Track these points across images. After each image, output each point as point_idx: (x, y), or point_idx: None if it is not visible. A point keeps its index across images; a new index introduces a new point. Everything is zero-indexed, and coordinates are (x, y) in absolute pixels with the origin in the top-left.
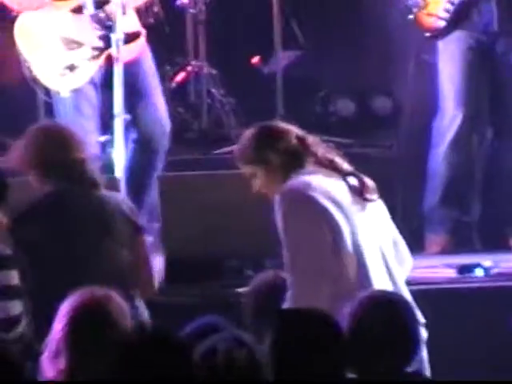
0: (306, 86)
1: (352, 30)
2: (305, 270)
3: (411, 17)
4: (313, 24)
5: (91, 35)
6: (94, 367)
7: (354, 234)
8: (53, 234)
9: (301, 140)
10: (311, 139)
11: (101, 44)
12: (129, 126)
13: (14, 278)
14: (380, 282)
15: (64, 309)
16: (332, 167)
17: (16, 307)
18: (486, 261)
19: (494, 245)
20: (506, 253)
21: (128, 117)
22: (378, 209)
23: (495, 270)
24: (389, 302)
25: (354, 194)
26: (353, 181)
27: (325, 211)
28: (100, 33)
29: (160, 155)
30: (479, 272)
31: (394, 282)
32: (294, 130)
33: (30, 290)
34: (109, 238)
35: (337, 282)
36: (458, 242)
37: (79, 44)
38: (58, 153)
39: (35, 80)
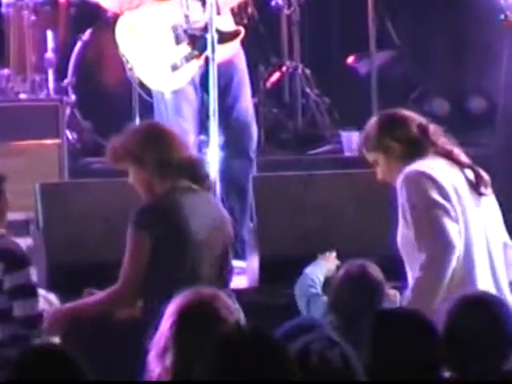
0: (400, 86)
1: (448, 30)
2: (439, 239)
3: (502, 17)
4: (406, 23)
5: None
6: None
7: (466, 229)
8: (174, 232)
9: (422, 128)
10: (432, 128)
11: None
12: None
13: (33, 275)
14: (483, 282)
15: (172, 307)
16: (451, 158)
17: (38, 304)
18: None
19: None
20: None
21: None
22: (491, 207)
23: None
24: (487, 303)
25: (471, 187)
26: (470, 174)
27: (447, 197)
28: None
29: (248, 158)
30: None
31: (498, 284)
32: (417, 118)
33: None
34: (219, 238)
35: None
36: None
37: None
38: (174, 153)
39: (137, 81)
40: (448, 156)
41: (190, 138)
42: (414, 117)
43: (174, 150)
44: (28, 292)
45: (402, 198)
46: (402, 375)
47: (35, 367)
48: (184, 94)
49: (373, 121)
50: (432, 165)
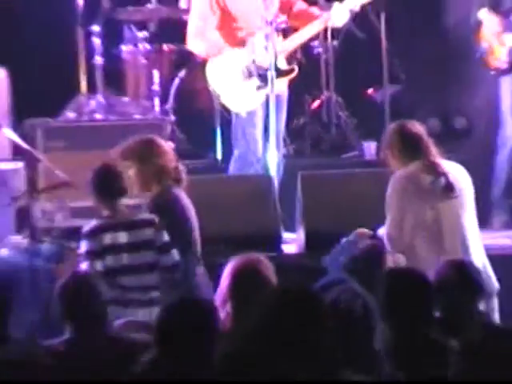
0: (405, 110)
1: (438, 67)
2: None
3: (478, 56)
4: (408, 62)
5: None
6: (253, 313)
7: (438, 218)
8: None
9: (419, 142)
10: (427, 142)
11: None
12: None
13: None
14: (454, 251)
15: (229, 268)
16: (433, 167)
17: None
18: None
19: None
20: None
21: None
22: (465, 202)
23: None
24: (462, 265)
25: (442, 190)
26: (442, 181)
27: (409, 196)
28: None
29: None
30: None
31: (468, 254)
32: (420, 132)
33: None
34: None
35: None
36: None
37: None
38: (168, 161)
39: (222, 105)
40: (431, 165)
41: (259, 144)
42: (417, 131)
43: (168, 160)
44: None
45: None
46: (408, 318)
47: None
48: (255, 114)
49: (388, 130)
50: (412, 171)
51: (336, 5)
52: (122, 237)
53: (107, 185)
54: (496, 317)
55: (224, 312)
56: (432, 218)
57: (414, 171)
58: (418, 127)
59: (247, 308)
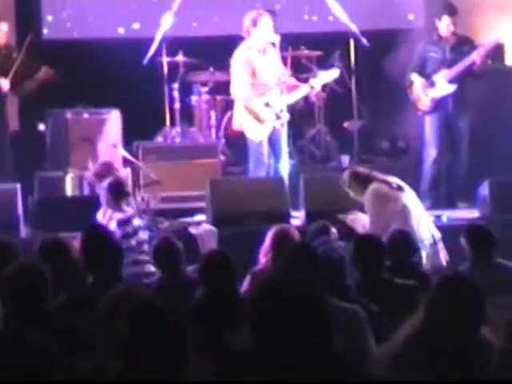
0: (370, 136)
1: (387, 109)
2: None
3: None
4: (367, 103)
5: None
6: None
7: (405, 205)
8: None
9: (371, 175)
10: (373, 173)
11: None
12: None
13: None
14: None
15: (271, 232)
16: (387, 183)
17: None
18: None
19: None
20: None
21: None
22: (412, 195)
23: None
24: (405, 232)
25: (397, 189)
26: (394, 184)
27: (386, 196)
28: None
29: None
30: (444, 218)
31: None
32: (368, 173)
33: None
34: None
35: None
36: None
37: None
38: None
39: (241, 130)
40: (385, 182)
41: (267, 159)
42: (364, 172)
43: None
44: None
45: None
46: (369, 266)
47: None
48: (262, 142)
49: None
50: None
51: (319, 76)
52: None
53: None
54: (443, 257)
55: (266, 258)
56: (398, 207)
57: (376, 188)
58: (363, 170)
59: (281, 256)
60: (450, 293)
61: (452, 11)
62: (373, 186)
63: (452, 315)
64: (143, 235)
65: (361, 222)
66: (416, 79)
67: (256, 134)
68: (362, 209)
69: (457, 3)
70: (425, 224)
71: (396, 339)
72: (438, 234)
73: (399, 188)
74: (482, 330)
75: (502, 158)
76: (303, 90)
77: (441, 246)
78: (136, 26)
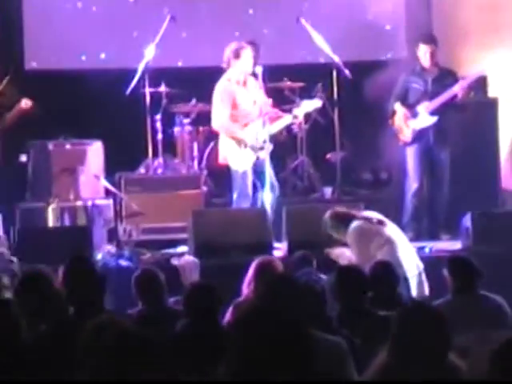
0: (352, 168)
1: (368, 140)
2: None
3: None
4: (352, 137)
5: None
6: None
7: (389, 238)
8: None
9: (350, 214)
10: (353, 211)
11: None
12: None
13: None
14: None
15: (254, 263)
16: (367, 219)
17: None
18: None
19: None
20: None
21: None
22: (395, 229)
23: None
24: (387, 263)
25: (377, 224)
26: (374, 220)
27: (369, 232)
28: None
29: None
30: (427, 249)
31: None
32: (347, 212)
33: None
34: None
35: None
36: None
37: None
38: None
39: (226, 162)
40: (364, 218)
41: (250, 190)
42: (347, 213)
43: None
44: None
45: None
46: (351, 297)
47: None
48: (247, 173)
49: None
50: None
51: (302, 105)
52: None
53: None
54: (426, 288)
55: (248, 289)
56: (382, 241)
57: (358, 225)
58: (341, 209)
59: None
60: (410, 323)
61: (427, 39)
62: (354, 225)
63: (415, 345)
64: None
65: (346, 257)
66: (399, 109)
67: (240, 165)
68: (345, 243)
69: (441, 36)
70: (409, 255)
71: (366, 374)
72: (421, 265)
73: (380, 222)
74: (450, 356)
75: (483, 189)
76: (286, 120)
77: (424, 277)
78: (118, 56)
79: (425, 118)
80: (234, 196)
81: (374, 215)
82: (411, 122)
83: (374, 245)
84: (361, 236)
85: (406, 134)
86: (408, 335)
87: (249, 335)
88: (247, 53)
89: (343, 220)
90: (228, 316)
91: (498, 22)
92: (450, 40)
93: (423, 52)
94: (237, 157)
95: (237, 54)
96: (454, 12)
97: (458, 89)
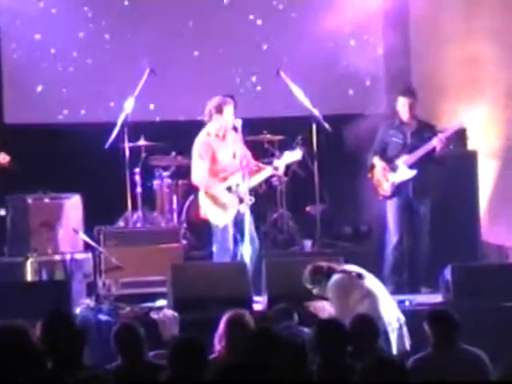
0: (332, 221)
1: (348, 195)
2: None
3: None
4: (332, 191)
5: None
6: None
7: (370, 292)
8: None
9: (330, 268)
10: (332, 265)
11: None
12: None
13: None
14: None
15: (224, 318)
16: (347, 273)
17: None
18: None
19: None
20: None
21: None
22: (372, 279)
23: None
24: (367, 317)
25: (357, 278)
26: (354, 273)
27: (349, 286)
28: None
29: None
30: (407, 302)
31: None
32: (327, 266)
33: None
34: None
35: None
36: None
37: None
38: None
39: (207, 216)
40: (344, 272)
41: (231, 243)
42: (330, 266)
43: None
44: None
45: None
46: (331, 352)
47: None
48: (227, 227)
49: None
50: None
51: (283, 156)
52: None
53: None
54: (407, 342)
55: (220, 346)
56: (362, 294)
57: (338, 279)
58: (321, 263)
59: (235, 343)
60: (372, 378)
61: (406, 92)
62: (334, 278)
63: None
64: None
65: (326, 310)
66: (378, 163)
67: (220, 220)
68: (325, 298)
69: (421, 90)
70: (390, 308)
71: None
72: (402, 318)
73: (359, 276)
74: None
75: (463, 242)
76: (266, 172)
77: (405, 330)
78: (97, 110)
79: (404, 171)
80: (214, 250)
81: (354, 268)
82: (390, 175)
83: (353, 298)
84: (340, 289)
85: (386, 188)
86: None
87: None
88: (230, 108)
89: (323, 274)
90: None
91: (476, 76)
92: (430, 94)
93: (402, 104)
94: (216, 212)
95: (220, 109)
96: (433, 66)
97: (436, 142)
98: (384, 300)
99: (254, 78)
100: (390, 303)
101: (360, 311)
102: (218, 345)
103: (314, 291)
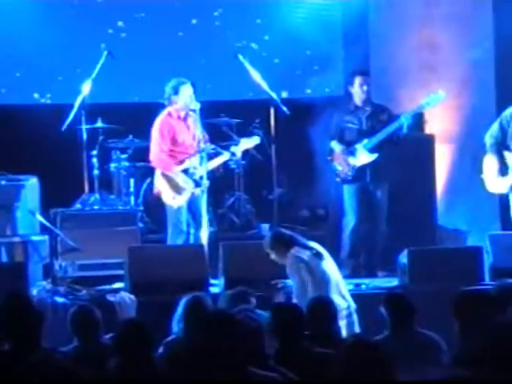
0: (289, 204)
1: (306, 178)
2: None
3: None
4: (289, 174)
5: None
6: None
7: (323, 273)
8: None
9: (293, 238)
10: (296, 236)
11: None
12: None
13: None
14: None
15: (183, 300)
16: (307, 247)
17: None
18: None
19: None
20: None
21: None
22: (330, 262)
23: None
24: (324, 300)
25: (315, 256)
26: (314, 250)
27: (304, 262)
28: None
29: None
30: (364, 286)
31: (341, 293)
32: (290, 236)
33: None
34: None
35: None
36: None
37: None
38: None
39: (160, 197)
40: (304, 246)
41: (184, 227)
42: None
43: None
44: None
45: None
46: (288, 335)
47: None
48: (183, 207)
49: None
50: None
51: (240, 143)
52: None
53: None
54: (356, 330)
55: (178, 327)
56: (317, 274)
57: (297, 253)
58: (285, 231)
59: (193, 325)
60: (354, 361)
61: (363, 71)
62: (293, 252)
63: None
64: None
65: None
66: (336, 147)
67: (174, 201)
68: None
69: (379, 74)
70: (342, 294)
71: None
72: (353, 305)
73: (318, 255)
74: None
75: (420, 226)
76: (224, 157)
77: (355, 317)
78: (54, 92)
79: (365, 155)
80: (169, 232)
81: (316, 246)
82: (351, 159)
83: (307, 276)
84: (298, 264)
85: (345, 171)
86: (352, 374)
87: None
88: (186, 89)
89: (284, 242)
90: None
91: (433, 62)
92: (388, 79)
93: (359, 84)
94: (171, 193)
95: (176, 90)
96: (392, 51)
97: (397, 124)
98: (336, 285)
99: (212, 61)
100: (342, 289)
101: (310, 292)
102: (175, 326)
103: (272, 256)
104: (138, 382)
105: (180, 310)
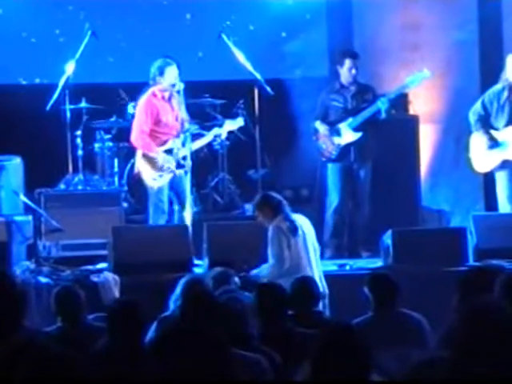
0: (273, 185)
1: (291, 159)
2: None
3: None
4: (273, 155)
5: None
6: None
7: (297, 252)
8: None
9: (278, 204)
10: (283, 204)
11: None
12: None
13: None
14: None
15: (181, 282)
16: (289, 220)
17: None
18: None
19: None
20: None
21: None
22: (308, 238)
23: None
24: (308, 280)
25: (293, 231)
26: (293, 225)
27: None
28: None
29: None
30: (347, 267)
31: (313, 273)
32: (279, 198)
33: None
34: None
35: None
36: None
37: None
38: None
39: (141, 180)
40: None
41: (166, 208)
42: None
43: None
44: None
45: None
46: (271, 316)
47: None
48: (163, 188)
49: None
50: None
51: (225, 124)
52: None
53: None
54: (327, 312)
55: (175, 305)
56: (293, 251)
57: (278, 225)
58: (275, 196)
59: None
60: (334, 346)
61: (353, 54)
62: (276, 222)
63: (337, 369)
64: None
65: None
66: (320, 127)
67: (155, 182)
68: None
69: (362, 54)
70: (315, 276)
71: None
72: (326, 290)
73: (293, 230)
74: (371, 377)
75: (404, 206)
76: (207, 138)
77: (326, 302)
78: (38, 72)
79: (349, 133)
80: (150, 212)
81: (298, 219)
82: (335, 138)
83: (287, 252)
84: (278, 236)
85: (330, 150)
86: (330, 359)
87: (168, 354)
88: (171, 70)
89: (271, 207)
90: (151, 332)
91: (417, 41)
92: (372, 58)
93: (348, 67)
94: (152, 174)
95: (161, 71)
96: (375, 30)
97: (380, 104)
98: (309, 268)
99: (196, 41)
100: (314, 273)
101: (287, 265)
102: (172, 304)
103: (258, 219)
104: (125, 363)
105: (178, 289)
